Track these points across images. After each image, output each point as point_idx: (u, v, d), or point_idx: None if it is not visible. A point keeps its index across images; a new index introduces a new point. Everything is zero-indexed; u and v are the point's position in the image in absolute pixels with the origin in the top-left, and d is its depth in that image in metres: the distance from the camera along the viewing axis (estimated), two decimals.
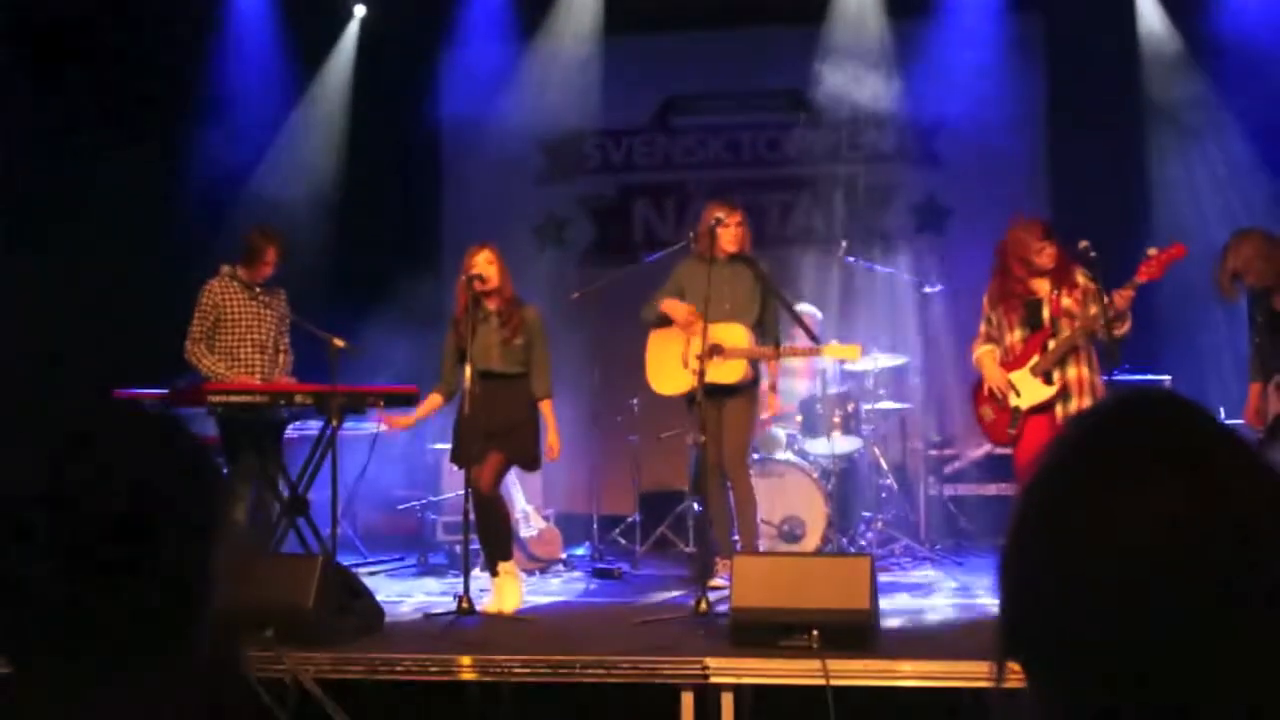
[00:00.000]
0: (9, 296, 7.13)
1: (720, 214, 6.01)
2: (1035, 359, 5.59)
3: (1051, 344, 5.55)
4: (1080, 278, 5.53)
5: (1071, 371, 5.53)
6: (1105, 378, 5.58)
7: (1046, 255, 5.57)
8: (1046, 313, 5.59)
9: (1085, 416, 0.97)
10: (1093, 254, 5.44)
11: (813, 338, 6.16)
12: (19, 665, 1.08)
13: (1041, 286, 5.64)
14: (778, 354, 6.17)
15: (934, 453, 8.05)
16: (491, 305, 5.86)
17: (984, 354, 5.77)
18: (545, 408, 5.93)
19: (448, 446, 6.11)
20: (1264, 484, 0.89)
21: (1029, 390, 5.61)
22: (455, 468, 6.29)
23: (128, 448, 1.11)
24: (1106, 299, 5.37)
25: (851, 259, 7.91)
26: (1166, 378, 7.37)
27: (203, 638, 1.11)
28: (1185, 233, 7.82)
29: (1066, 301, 5.55)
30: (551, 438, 5.94)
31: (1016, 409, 5.64)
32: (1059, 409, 5.50)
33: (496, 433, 5.75)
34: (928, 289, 8.05)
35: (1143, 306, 5.65)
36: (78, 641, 1.05)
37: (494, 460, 5.77)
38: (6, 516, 1.05)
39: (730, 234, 6.09)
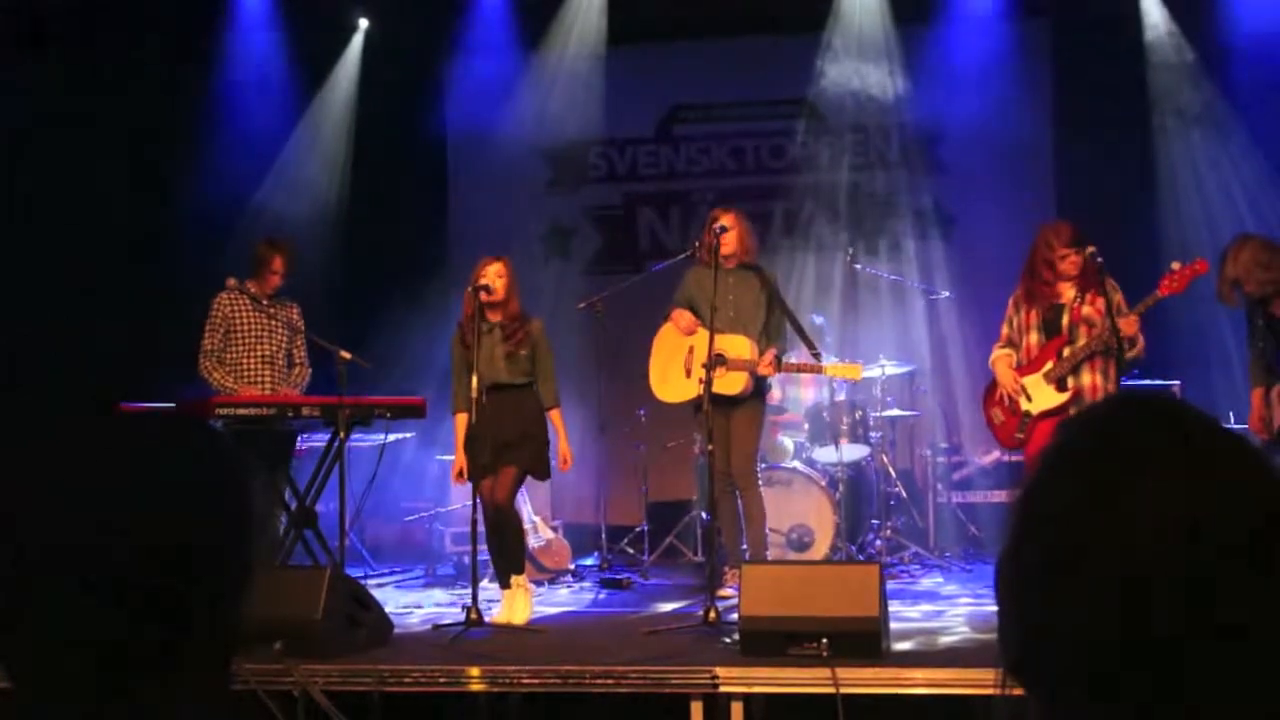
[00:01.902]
0: (11, 311, 7.14)
1: (722, 221, 6.01)
2: (1050, 365, 5.57)
3: (1067, 351, 5.53)
4: (1110, 290, 5.44)
5: (1086, 379, 5.50)
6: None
7: (1070, 262, 5.49)
8: (1066, 319, 5.55)
9: (1075, 423, 0.94)
10: (1099, 259, 5.41)
11: (815, 355, 6.14)
12: (22, 682, 1.05)
13: (1067, 292, 5.59)
14: (779, 368, 6.15)
15: (943, 460, 8.03)
16: (495, 318, 5.84)
17: (999, 358, 5.75)
18: (555, 416, 5.92)
19: (451, 458, 6.07)
20: (1269, 488, 0.87)
21: (1040, 396, 5.59)
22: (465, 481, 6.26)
23: (214, 469, 1.08)
24: (1115, 317, 5.32)
25: (859, 266, 7.90)
26: (1176, 383, 7.34)
27: (228, 662, 1.09)
28: (1194, 239, 7.82)
29: (1087, 310, 5.51)
30: (563, 446, 5.93)
31: (1027, 414, 5.62)
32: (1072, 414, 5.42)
33: (509, 444, 5.73)
34: (934, 296, 8.05)
35: (1154, 312, 5.60)
36: (95, 663, 1.01)
37: (508, 473, 5.73)
38: (49, 527, 1.01)
39: (732, 241, 6.08)
